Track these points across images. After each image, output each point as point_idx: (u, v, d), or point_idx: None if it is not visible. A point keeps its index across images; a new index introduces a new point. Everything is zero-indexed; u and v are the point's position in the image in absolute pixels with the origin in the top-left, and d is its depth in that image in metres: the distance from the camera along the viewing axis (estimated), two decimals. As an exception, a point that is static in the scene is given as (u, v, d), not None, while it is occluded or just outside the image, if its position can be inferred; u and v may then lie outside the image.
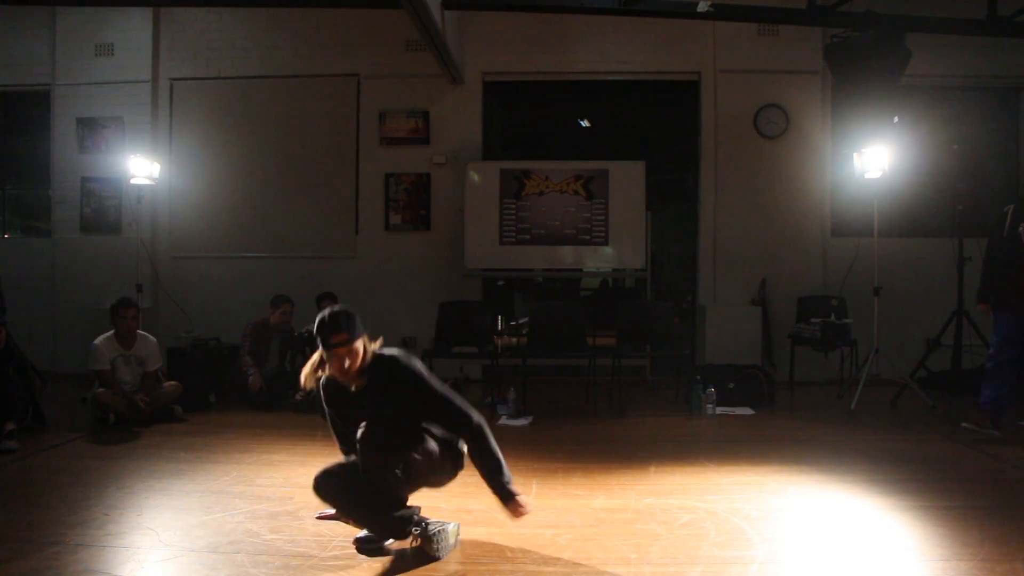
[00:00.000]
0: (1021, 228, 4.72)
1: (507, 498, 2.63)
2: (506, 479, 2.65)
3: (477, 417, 2.69)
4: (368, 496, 2.71)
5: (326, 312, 2.69)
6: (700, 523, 3.09)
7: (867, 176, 5.85)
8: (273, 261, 7.39)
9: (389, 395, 2.72)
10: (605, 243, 7.03)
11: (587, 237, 7.04)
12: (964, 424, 4.84)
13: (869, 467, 3.99)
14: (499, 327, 7.00)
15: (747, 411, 5.64)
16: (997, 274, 4.86)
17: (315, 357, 2.76)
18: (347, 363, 2.63)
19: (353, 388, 2.73)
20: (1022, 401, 5.48)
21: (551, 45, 7.28)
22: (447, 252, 7.28)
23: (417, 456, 2.66)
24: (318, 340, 2.66)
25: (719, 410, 5.53)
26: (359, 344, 2.67)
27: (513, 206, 7.08)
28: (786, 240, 7.17)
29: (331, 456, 4.29)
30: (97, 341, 5.21)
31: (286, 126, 7.47)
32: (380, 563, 2.67)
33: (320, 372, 2.76)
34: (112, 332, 5.25)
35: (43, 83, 7.48)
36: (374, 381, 2.72)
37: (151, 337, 5.45)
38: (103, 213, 7.44)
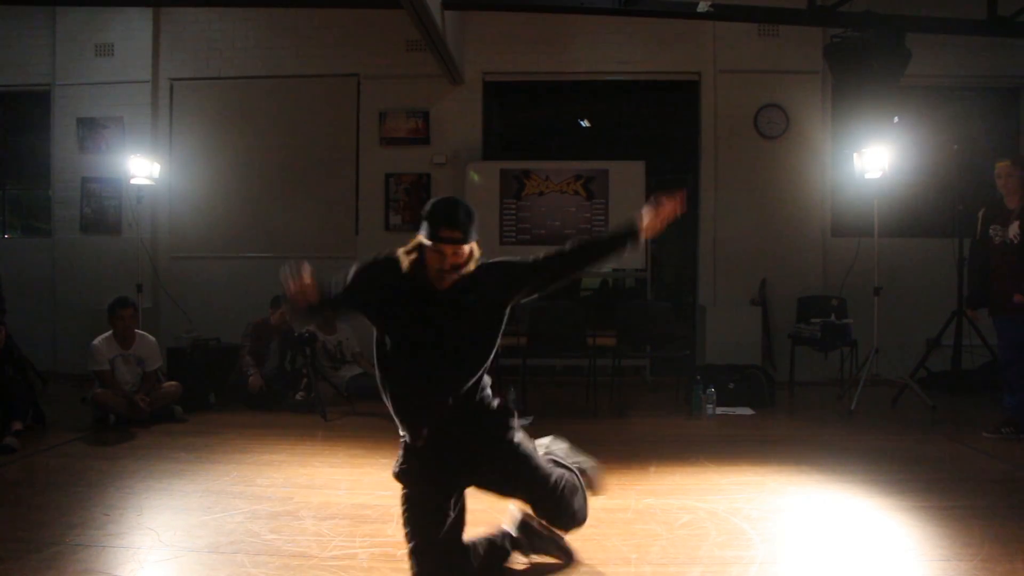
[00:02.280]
0: (991, 230, 4.70)
1: (639, 224, 2.41)
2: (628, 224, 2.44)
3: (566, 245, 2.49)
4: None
5: (445, 199, 2.37)
6: (700, 523, 3.09)
7: (867, 176, 5.83)
8: (273, 261, 7.27)
9: (479, 299, 2.42)
10: (605, 243, 7.02)
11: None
12: (986, 434, 4.60)
13: (869, 467, 3.99)
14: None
15: (747, 411, 5.64)
16: (981, 278, 4.81)
17: (414, 242, 2.36)
18: (449, 263, 2.30)
19: (439, 287, 2.36)
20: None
21: (551, 45, 7.27)
22: (447, 252, 7.26)
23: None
24: (424, 225, 2.30)
25: (719, 410, 5.53)
26: (468, 248, 2.32)
27: (513, 206, 7.08)
28: (786, 240, 7.16)
29: (331, 456, 4.31)
30: (96, 341, 5.19)
31: (286, 126, 7.47)
32: (379, 564, 2.67)
33: (413, 256, 2.36)
34: (111, 332, 5.25)
35: (43, 83, 7.48)
36: (468, 285, 2.38)
37: (150, 337, 5.44)
38: (103, 213, 7.44)
